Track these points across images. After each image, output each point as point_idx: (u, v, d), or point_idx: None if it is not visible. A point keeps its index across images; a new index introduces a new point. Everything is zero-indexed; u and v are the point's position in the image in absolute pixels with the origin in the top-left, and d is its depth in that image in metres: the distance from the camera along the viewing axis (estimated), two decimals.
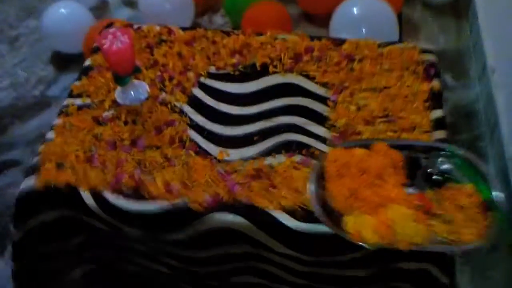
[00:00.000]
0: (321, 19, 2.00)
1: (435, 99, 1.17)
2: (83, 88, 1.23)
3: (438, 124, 1.12)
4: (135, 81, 1.19)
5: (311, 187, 0.99)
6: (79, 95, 1.22)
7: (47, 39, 1.98)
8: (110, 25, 1.36)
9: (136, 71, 1.17)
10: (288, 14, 1.91)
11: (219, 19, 2.06)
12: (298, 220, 0.99)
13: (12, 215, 1.09)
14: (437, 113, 1.14)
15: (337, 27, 1.82)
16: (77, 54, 1.91)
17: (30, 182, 1.06)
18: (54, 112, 1.23)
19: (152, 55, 1.29)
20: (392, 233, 0.90)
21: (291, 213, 0.99)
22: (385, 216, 0.91)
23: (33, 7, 2.24)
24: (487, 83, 1.72)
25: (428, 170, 1.02)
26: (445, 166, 1.01)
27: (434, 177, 1.01)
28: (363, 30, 1.75)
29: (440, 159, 1.02)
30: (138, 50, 1.29)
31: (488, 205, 0.95)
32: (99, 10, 2.20)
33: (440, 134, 1.11)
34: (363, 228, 0.91)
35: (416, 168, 1.03)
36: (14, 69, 2.00)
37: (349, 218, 0.94)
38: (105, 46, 1.09)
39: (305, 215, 0.99)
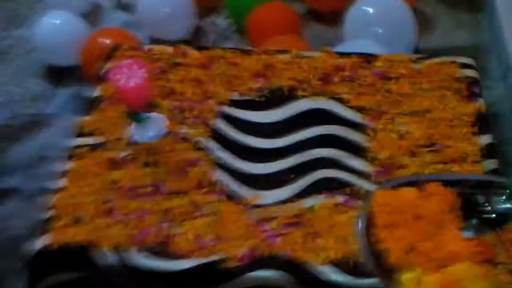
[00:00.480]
0: (330, 17, 1.87)
1: (483, 122, 1.07)
2: (94, 124, 1.11)
3: (489, 151, 1.03)
4: (152, 115, 1.07)
5: (361, 237, 0.89)
6: (90, 133, 1.10)
7: (40, 52, 1.83)
8: (116, 48, 1.23)
9: (154, 107, 1.05)
10: (297, 15, 1.79)
11: (222, 22, 1.93)
12: (348, 274, 0.89)
13: (26, 277, 0.97)
14: (486, 139, 1.04)
15: (351, 27, 1.69)
16: (72, 66, 1.77)
17: (44, 242, 0.95)
18: (54, 132, 1.11)
19: (167, 81, 1.17)
20: None
21: (340, 266, 0.89)
22: (450, 275, 0.81)
23: (23, 15, 2.08)
24: None
25: (485, 209, 0.92)
26: (504, 205, 0.91)
27: (491, 216, 0.92)
28: (380, 30, 1.63)
29: (497, 196, 0.93)
30: (150, 76, 1.16)
31: None
32: (92, 15, 2.04)
33: (492, 164, 1.01)
34: (424, 285, 0.81)
35: (471, 206, 0.93)
36: (6, 85, 1.86)
37: (408, 275, 0.84)
38: (120, 83, 0.97)
39: (355, 269, 0.89)
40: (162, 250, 0.93)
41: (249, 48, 1.23)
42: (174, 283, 0.94)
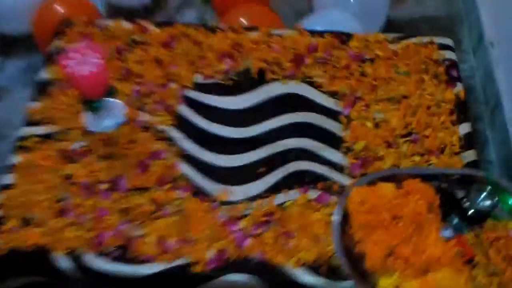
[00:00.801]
0: None
1: (462, 110, 1.01)
2: (43, 112, 1.00)
3: (468, 142, 0.98)
4: (109, 101, 0.97)
5: (335, 238, 0.84)
6: (39, 122, 0.99)
7: None
8: (68, 23, 1.11)
9: (110, 94, 0.95)
10: None
11: None
12: (322, 277, 0.84)
13: None
14: (465, 128, 0.99)
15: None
16: (25, 35, 1.62)
17: None
18: (5, 107, 1.00)
19: (125, 62, 1.06)
20: None
21: (314, 269, 0.84)
22: (429, 282, 0.77)
23: None
24: (485, 57, 1.57)
25: (464, 205, 0.88)
26: (485, 202, 0.87)
27: (471, 213, 0.88)
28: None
29: (478, 192, 0.88)
30: (106, 60, 1.05)
31: None
32: None
33: (471, 155, 0.96)
34: None
35: (450, 202, 0.89)
36: None
37: (386, 281, 0.79)
38: (71, 71, 0.86)
39: (330, 271, 0.84)
40: (122, 254, 0.85)
41: (215, 24, 1.13)
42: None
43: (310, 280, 0.84)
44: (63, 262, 0.85)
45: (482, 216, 0.88)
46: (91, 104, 0.93)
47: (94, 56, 0.87)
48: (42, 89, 1.03)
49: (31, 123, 0.99)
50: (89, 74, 0.87)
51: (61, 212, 0.89)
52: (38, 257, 0.85)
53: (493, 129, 1.47)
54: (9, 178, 0.93)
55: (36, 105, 1.01)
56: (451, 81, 1.04)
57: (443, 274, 0.77)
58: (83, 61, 0.87)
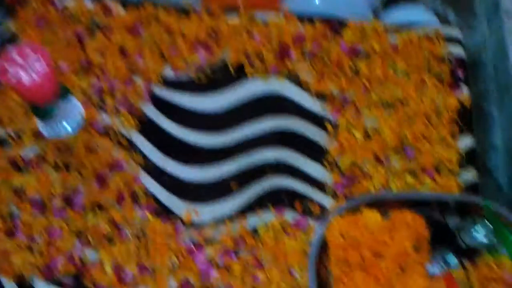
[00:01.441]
0: None
1: (464, 118, 0.91)
2: None
3: (468, 158, 0.89)
4: (62, 103, 0.87)
5: (311, 276, 0.77)
6: None
7: None
8: (22, 1, 0.99)
9: (63, 95, 0.85)
10: None
11: None
12: None
13: None
14: (466, 141, 0.90)
15: None
16: None
17: None
18: None
19: (84, 51, 0.95)
20: None
21: None
22: None
23: None
24: (499, 29, 1.43)
25: (458, 238, 0.81)
26: (481, 237, 0.79)
27: (463, 247, 0.80)
28: None
29: (474, 224, 0.80)
30: (63, 43, 0.95)
31: None
32: None
33: (470, 174, 0.87)
34: None
35: (441, 233, 0.81)
36: None
37: None
38: (12, 81, 0.76)
39: None
40: (76, 283, 0.80)
41: (189, 5, 1.00)
42: None
43: None
44: None
45: (475, 251, 0.81)
46: (40, 111, 0.84)
47: (39, 63, 0.77)
48: None
49: None
50: (34, 83, 0.76)
51: (10, 233, 0.82)
52: None
53: (501, 110, 1.36)
54: None
55: None
56: (456, 83, 0.93)
57: None
58: (25, 68, 0.77)
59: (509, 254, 0.79)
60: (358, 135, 0.89)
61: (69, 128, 0.88)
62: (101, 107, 0.92)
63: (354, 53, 0.95)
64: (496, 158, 1.38)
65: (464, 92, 0.93)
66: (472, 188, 0.87)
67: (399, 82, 0.93)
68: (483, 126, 1.35)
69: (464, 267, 0.79)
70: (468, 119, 0.92)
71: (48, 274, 0.79)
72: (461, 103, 0.92)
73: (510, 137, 1.33)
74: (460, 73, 0.94)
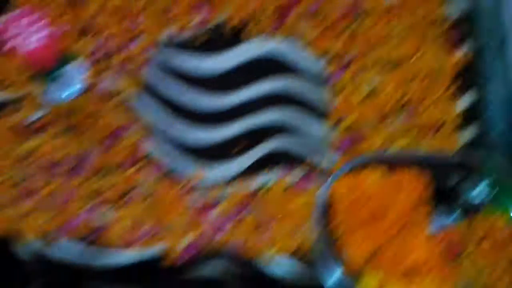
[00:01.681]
0: None
1: (464, 77, 0.93)
2: None
3: (468, 116, 0.91)
4: (64, 67, 0.88)
5: (317, 232, 0.80)
6: None
7: None
8: None
9: (65, 59, 0.85)
10: None
11: None
12: (300, 268, 0.81)
13: None
14: (467, 100, 0.92)
15: None
16: None
17: None
18: None
19: (84, 13, 0.94)
20: None
21: (291, 260, 0.82)
22: None
23: None
24: None
25: (459, 195, 0.84)
26: (481, 194, 0.82)
27: (464, 203, 0.84)
28: None
29: (474, 181, 0.83)
30: (62, 6, 0.93)
31: None
32: None
33: (470, 133, 0.90)
34: None
35: (442, 190, 0.85)
36: None
37: (369, 281, 0.77)
38: (15, 46, 0.76)
39: (308, 265, 0.81)
40: (91, 243, 0.82)
41: None
42: (109, 276, 0.85)
43: (287, 270, 0.82)
44: (28, 251, 0.82)
45: (475, 208, 0.85)
46: (44, 75, 0.84)
47: (40, 29, 0.77)
48: None
49: None
50: (36, 48, 0.77)
51: (24, 196, 0.84)
52: (4, 246, 0.83)
53: (499, 62, 1.38)
54: None
55: None
56: (457, 41, 0.95)
57: (427, 286, 0.75)
58: (27, 32, 0.77)
59: (509, 208, 0.82)
60: (360, 95, 0.91)
61: (73, 92, 0.90)
62: (103, 70, 0.92)
63: (353, 12, 0.96)
64: (497, 110, 1.41)
65: (464, 50, 0.95)
66: (472, 145, 0.90)
67: (400, 41, 0.94)
68: (483, 79, 1.37)
69: (464, 224, 0.83)
70: (468, 77, 0.93)
71: (62, 235, 0.82)
72: (461, 61, 0.94)
73: (509, 88, 1.35)
74: (459, 31, 0.96)
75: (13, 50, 0.77)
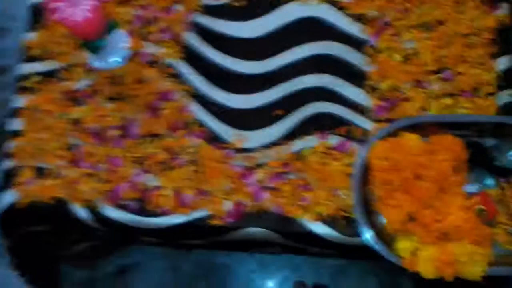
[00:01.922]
0: None
1: (502, 39, 0.93)
2: (41, 45, 0.95)
3: (506, 79, 0.91)
4: (111, 36, 0.91)
5: (355, 194, 0.84)
6: (39, 58, 0.94)
7: None
8: None
9: (111, 28, 0.88)
10: None
11: None
12: (339, 231, 0.86)
13: None
14: (504, 62, 0.92)
15: None
16: None
17: (9, 198, 0.88)
18: None
19: None
20: (453, 271, 0.79)
21: (331, 223, 0.86)
22: (447, 255, 0.79)
23: None
24: None
25: (494, 158, 0.86)
26: None
27: (499, 166, 0.86)
28: None
29: (510, 146, 0.85)
30: None
31: None
32: None
33: (508, 95, 0.90)
34: (421, 260, 0.80)
35: (478, 152, 0.87)
36: None
37: (405, 244, 0.81)
38: (63, 17, 0.79)
39: (347, 225, 0.86)
40: (139, 207, 0.88)
41: None
42: (156, 235, 0.92)
43: (326, 233, 0.87)
44: (82, 213, 0.88)
45: (510, 171, 0.87)
46: (90, 45, 0.87)
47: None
48: (36, 17, 0.97)
49: (31, 58, 0.95)
50: (85, 19, 0.80)
51: (75, 162, 0.90)
52: (59, 210, 0.89)
53: None
54: (16, 124, 0.92)
55: (33, 37, 0.95)
56: (495, 2, 0.94)
57: (462, 248, 0.79)
58: (75, 2, 0.80)
59: None
60: (398, 57, 0.93)
61: (117, 59, 0.93)
62: (146, 37, 0.95)
63: None
64: None
65: (503, 11, 0.94)
66: (509, 109, 0.91)
67: (438, 2, 0.94)
68: None
69: (499, 186, 0.86)
70: (507, 39, 0.93)
71: (113, 199, 0.88)
72: (500, 23, 0.94)
73: None
74: None
75: (61, 21, 0.80)
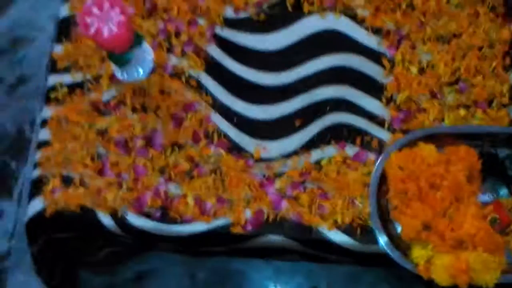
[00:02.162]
0: None
1: None
2: (68, 57, 0.99)
3: None
4: (136, 50, 0.94)
5: (372, 204, 0.87)
6: (66, 69, 0.98)
7: None
8: None
9: (137, 42, 0.92)
10: None
11: None
12: (356, 239, 0.89)
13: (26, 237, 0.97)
14: None
15: None
16: None
17: (37, 207, 0.92)
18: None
19: None
20: (467, 279, 0.81)
21: (348, 232, 0.89)
22: (461, 263, 0.81)
23: None
24: None
25: (509, 170, 0.89)
26: None
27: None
28: None
29: None
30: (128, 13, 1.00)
31: None
32: None
33: None
34: (436, 267, 0.83)
35: (492, 164, 0.89)
36: None
37: (420, 251, 0.84)
38: (92, 33, 0.83)
39: (364, 234, 0.88)
40: (163, 215, 0.91)
41: None
42: (178, 243, 0.95)
43: (344, 241, 0.89)
44: (107, 221, 0.92)
45: None
46: (117, 58, 0.91)
47: (118, 15, 0.83)
48: (64, 30, 1.01)
49: (57, 70, 0.99)
50: (115, 34, 0.83)
51: (100, 171, 0.93)
52: (84, 218, 0.92)
53: None
54: (43, 134, 0.96)
55: (60, 49, 1.00)
56: (509, 14, 0.97)
57: (476, 257, 0.81)
58: (105, 18, 0.83)
59: None
60: (414, 70, 0.96)
61: (142, 72, 0.97)
62: (169, 49, 0.99)
63: None
64: None
65: None
66: None
67: (453, 15, 0.97)
68: None
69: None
70: None
71: (137, 207, 0.91)
72: None
73: None
74: (510, 5, 0.98)
75: (92, 36, 0.84)
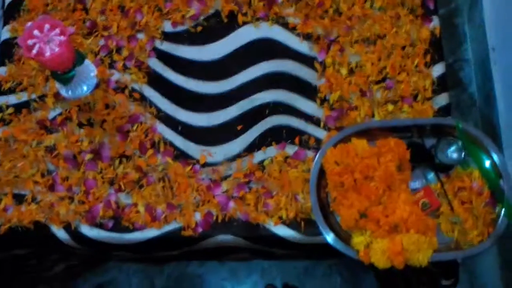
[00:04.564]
0: None
1: (436, 48, 1.04)
2: (13, 77, 1.02)
3: (441, 84, 1.03)
4: (78, 68, 0.98)
5: (312, 198, 0.93)
6: (10, 90, 1.01)
7: None
8: None
9: (79, 60, 0.95)
10: None
11: None
12: (301, 233, 0.95)
13: None
14: (439, 69, 1.04)
15: None
16: None
17: None
18: None
19: (87, 13, 1.04)
20: (403, 260, 0.89)
21: (293, 226, 0.95)
22: (397, 245, 0.88)
23: None
24: None
25: (434, 156, 0.96)
26: (453, 155, 0.95)
27: (438, 163, 0.96)
28: None
29: (447, 144, 0.96)
30: (65, 7, 1.04)
31: (496, 196, 0.93)
32: None
33: (443, 98, 1.02)
34: (374, 252, 0.90)
35: (419, 153, 0.97)
36: None
37: (359, 238, 0.91)
38: (35, 54, 0.86)
39: (308, 227, 0.95)
40: (115, 224, 0.95)
41: None
42: (132, 250, 0.99)
43: (289, 235, 0.96)
44: (61, 234, 0.95)
45: (449, 167, 0.97)
46: (61, 76, 0.94)
47: (58, 36, 0.87)
48: (6, 52, 1.04)
49: (2, 91, 1.02)
50: (56, 54, 0.87)
51: (51, 187, 0.96)
52: (38, 233, 0.95)
53: (470, 24, 1.48)
54: None
55: (4, 71, 1.03)
56: (428, 15, 1.05)
57: (409, 238, 0.89)
58: (46, 39, 0.87)
59: (478, 166, 0.95)
60: (344, 71, 1.03)
61: (86, 88, 1.01)
62: (111, 65, 1.03)
63: None
64: (470, 72, 1.52)
65: (435, 24, 1.05)
66: (445, 111, 1.02)
67: (377, 18, 1.05)
68: (456, 42, 1.46)
69: (440, 181, 0.96)
70: (440, 48, 1.04)
71: (90, 219, 0.95)
72: (433, 34, 1.05)
73: (480, 49, 1.46)
74: (431, 4, 1.06)
75: (34, 57, 0.87)
